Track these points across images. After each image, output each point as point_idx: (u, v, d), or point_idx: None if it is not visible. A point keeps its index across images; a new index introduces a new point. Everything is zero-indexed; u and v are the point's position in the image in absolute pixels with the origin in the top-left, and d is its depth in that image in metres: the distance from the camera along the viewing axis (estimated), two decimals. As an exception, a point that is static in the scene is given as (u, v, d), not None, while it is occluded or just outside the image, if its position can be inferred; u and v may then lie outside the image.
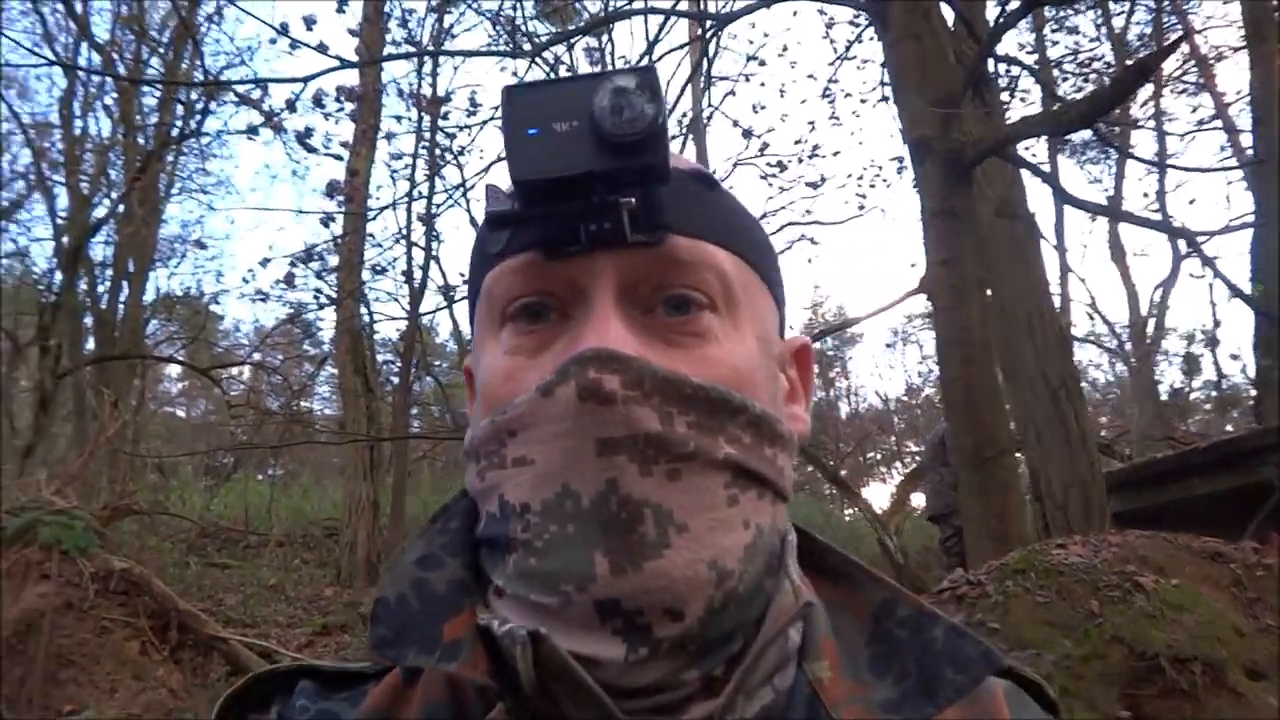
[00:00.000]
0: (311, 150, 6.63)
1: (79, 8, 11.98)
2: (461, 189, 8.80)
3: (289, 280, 7.83)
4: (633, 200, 0.52)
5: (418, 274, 10.08)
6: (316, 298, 7.63)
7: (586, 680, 0.49)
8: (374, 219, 9.99)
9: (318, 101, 6.38)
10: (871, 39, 8.72)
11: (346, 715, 0.58)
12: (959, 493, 5.08)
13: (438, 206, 9.66)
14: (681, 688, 0.52)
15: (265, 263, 11.44)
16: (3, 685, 4.30)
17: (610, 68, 0.62)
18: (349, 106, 7.10)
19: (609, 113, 0.50)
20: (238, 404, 12.27)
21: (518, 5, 7.20)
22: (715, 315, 0.56)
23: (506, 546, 0.53)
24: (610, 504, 0.50)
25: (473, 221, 9.01)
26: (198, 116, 11.78)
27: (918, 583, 7.06)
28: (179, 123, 12.46)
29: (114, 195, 13.02)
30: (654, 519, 0.50)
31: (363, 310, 10.15)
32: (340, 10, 6.85)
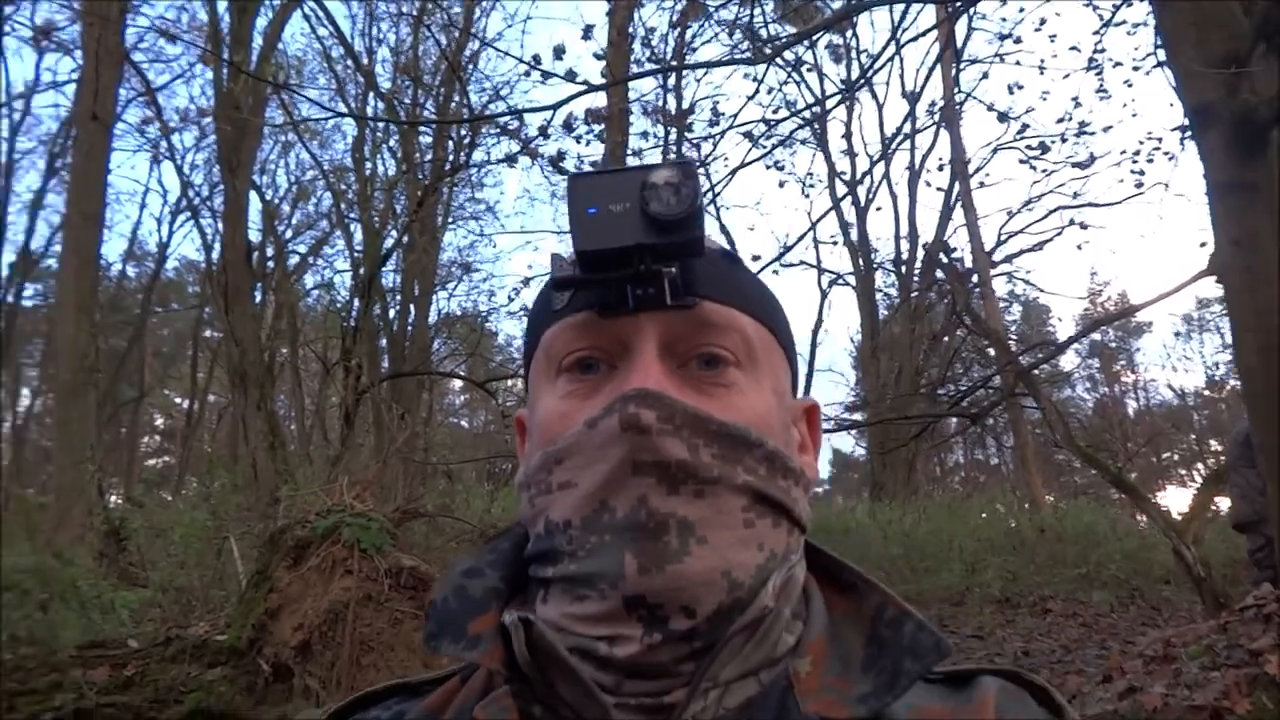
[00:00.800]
0: (564, 173, 7.00)
1: (365, 61, 13.36)
2: (711, 194, 8.94)
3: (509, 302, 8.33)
4: (673, 270, 0.63)
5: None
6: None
7: (567, 658, 0.59)
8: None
9: (568, 126, 6.73)
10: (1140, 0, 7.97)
11: (412, 707, 0.69)
12: (1268, 498, 4.51)
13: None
14: (676, 677, 0.60)
15: (527, 281, 12.20)
16: (317, 667, 4.86)
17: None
18: (597, 128, 7.43)
19: (655, 197, 0.61)
20: (511, 413, 13.12)
21: (756, 7, 7.22)
22: (739, 370, 0.66)
23: (552, 558, 0.63)
24: (640, 515, 0.58)
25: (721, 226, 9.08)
26: (466, 150, 12.78)
27: (1222, 598, 6.33)
28: (450, 157, 13.57)
29: (399, 227, 14.38)
30: (678, 530, 0.59)
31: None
32: (586, 37, 7.19)
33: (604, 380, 0.65)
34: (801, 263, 20.17)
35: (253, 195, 14.40)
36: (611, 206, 0.62)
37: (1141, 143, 11.34)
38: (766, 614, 0.62)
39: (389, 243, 14.09)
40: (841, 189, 18.97)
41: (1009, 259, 19.45)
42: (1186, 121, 5.13)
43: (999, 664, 0.72)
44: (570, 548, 0.61)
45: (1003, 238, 19.07)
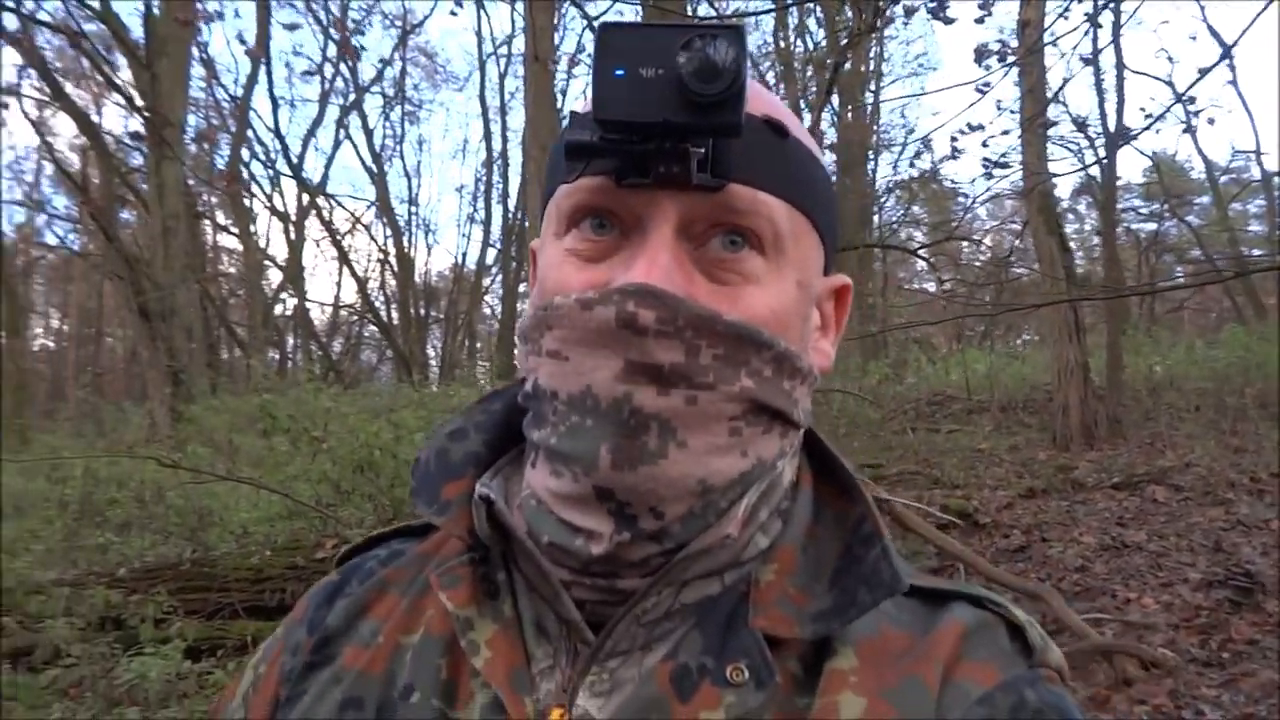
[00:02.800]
0: (949, 21, 6.58)
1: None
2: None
3: (954, 154, 7.91)
4: (701, 150, 0.57)
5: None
6: (985, 165, 7.54)
7: (524, 539, 0.61)
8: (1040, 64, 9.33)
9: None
10: None
11: (410, 549, 0.72)
12: None
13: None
14: (636, 566, 0.60)
15: (928, 142, 11.49)
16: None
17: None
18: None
19: (692, 71, 0.54)
20: (956, 279, 12.73)
21: None
22: (762, 258, 0.60)
23: (538, 422, 0.62)
24: (623, 411, 0.56)
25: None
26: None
27: None
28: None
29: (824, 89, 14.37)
30: (658, 431, 0.57)
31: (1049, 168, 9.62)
32: None
33: (612, 247, 0.60)
34: None
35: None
36: (642, 70, 0.55)
37: None
38: (727, 542, 0.60)
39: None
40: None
41: None
42: None
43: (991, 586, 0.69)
44: (554, 419, 0.59)
45: None
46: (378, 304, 20.98)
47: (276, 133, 18.13)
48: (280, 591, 5.17)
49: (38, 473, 6.34)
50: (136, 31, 12.90)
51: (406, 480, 5.30)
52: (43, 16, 11.82)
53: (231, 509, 5.93)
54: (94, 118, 13.80)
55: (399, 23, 20.98)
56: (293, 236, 19.57)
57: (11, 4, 10.18)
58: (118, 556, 5.44)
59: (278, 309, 19.60)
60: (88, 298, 18.24)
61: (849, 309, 0.71)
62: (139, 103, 12.65)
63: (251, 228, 19.23)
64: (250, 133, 17.75)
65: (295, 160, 19.27)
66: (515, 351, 0.66)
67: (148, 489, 5.72)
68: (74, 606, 4.61)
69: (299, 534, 5.43)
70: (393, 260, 21.58)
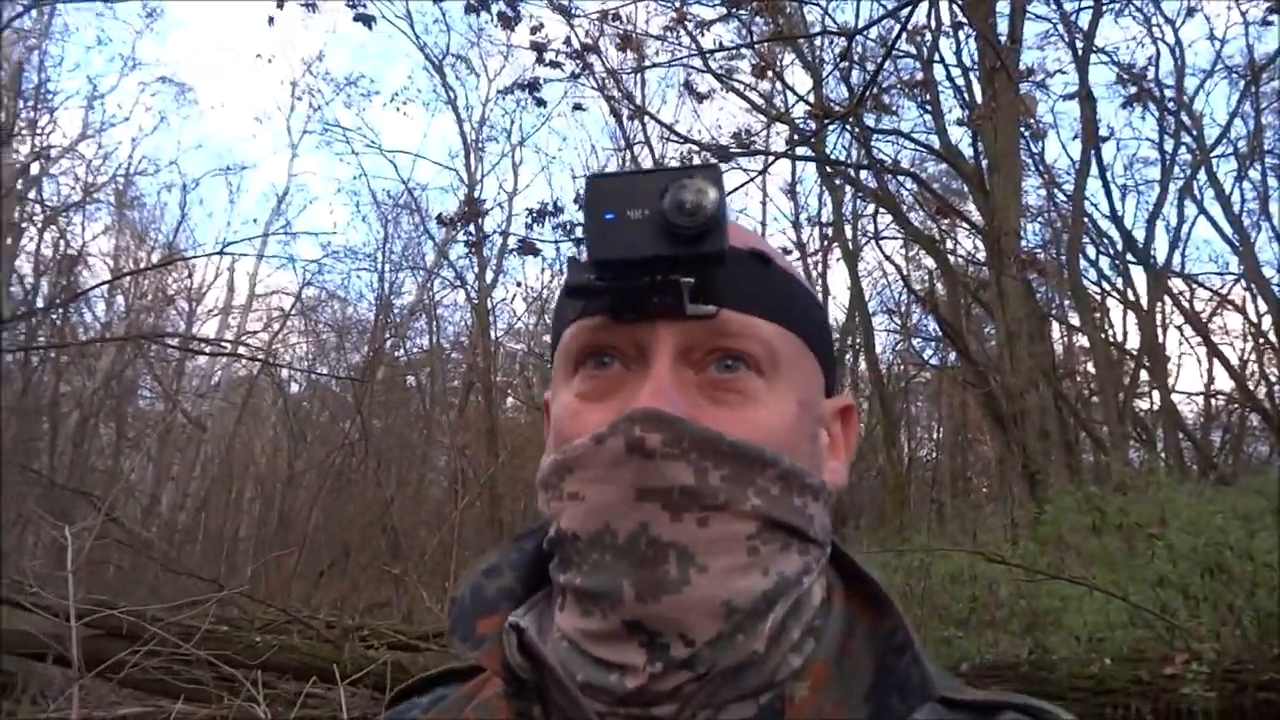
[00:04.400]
0: None
1: None
2: None
3: None
4: (691, 280, 0.60)
5: None
6: None
7: (555, 667, 0.61)
8: None
9: None
10: None
11: (453, 693, 0.73)
12: None
13: None
14: (670, 696, 0.60)
15: None
16: None
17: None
18: None
19: (675, 208, 0.59)
20: None
21: None
22: (760, 378, 0.63)
23: (563, 565, 0.64)
24: (640, 543, 0.58)
25: None
26: None
27: None
28: None
29: None
30: (677, 560, 0.58)
31: None
32: None
33: (618, 381, 0.64)
34: None
35: None
36: (630, 213, 0.60)
37: None
38: (755, 659, 0.60)
39: None
40: None
41: None
42: None
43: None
44: (577, 560, 0.62)
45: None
46: (1257, 388, 18.26)
47: (1114, 218, 17.36)
48: (1124, 708, 4.66)
49: (897, 565, 6.91)
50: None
51: (1268, 585, 4.44)
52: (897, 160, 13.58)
53: (1072, 612, 5.61)
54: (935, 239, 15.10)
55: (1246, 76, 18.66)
56: (1145, 325, 18.39)
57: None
58: (960, 651, 5.55)
59: (1141, 404, 18.49)
60: (955, 409, 19.73)
61: (856, 428, 0.73)
62: (976, 221, 13.55)
63: (1103, 321, 18.69)
64: (1088, 222, 17.40)
65: (1140, 244, 18.25)
66: (539, 499, 0.67)
67: (978, 585, 5.76)
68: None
69: (1143, 645, 4.85)
70: (1273, 338, 18.64)
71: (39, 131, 15.37)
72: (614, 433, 0.60)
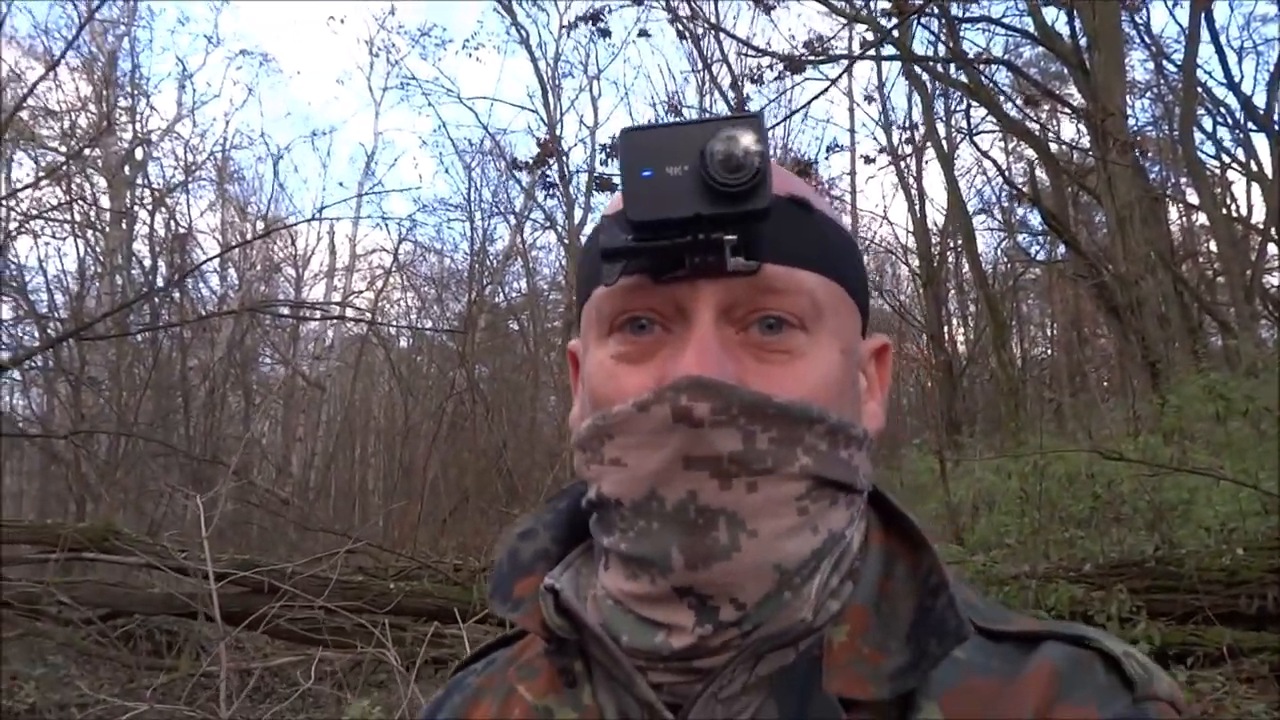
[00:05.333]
0: None
1: None
2: None
3: None
4: (734, 238, 0.58)
5: None
6: None
7: (593, 626, 0.62)
8: None
9: None
10: None
11: (502, 656, 0.76)
12: None
13: None
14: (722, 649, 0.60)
15: None
16: None
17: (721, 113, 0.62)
18: None
19: (717, 163, 0.56)
20: None
21: None
22: (804, 333, 0.62)
23: (606, 528, 0.64)
24: (689, 511, 0.58)
25: None
26: None
27: None
28: None
29: None
30: (727, 525, 0.58)
31: None
32: None
33: (658, 344, 0.62)
34: None
35: None
36: (668, 169, 0.57)
37: None
38: (801, 626, 0.60)
39: None
40: None
41: None
42: None
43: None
44: (622, 525, 0.61)
45: None
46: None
47: (1230, 84, 16.16)
48: (1260, 598, 4.49)
49: (1011, 469, 6.78)
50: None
51: None
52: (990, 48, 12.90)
53: (1200, 504, 5.41)
54: (1035, 129, 14.34)
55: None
56: (1271, 195, 17.18)
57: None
58: (1083, 552, 5.43)
59: (1271, 279, 17.41)
60: (1068, 304, 19.00)
61: (889, 368, 0.72)
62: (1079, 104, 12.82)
63: (1224, 196, 17.56)
64: (1202, 91, 16.22)
65: (1260, 110, 16.98)
66: (575, 459, 0.67)
67: (1098, 484, 5.59)
68: (1041, 599, 4.76)
69: (1277, 532, 4.64)
70: None
71: (138, 117, 15.97)
72: (659, 400, 0.58)
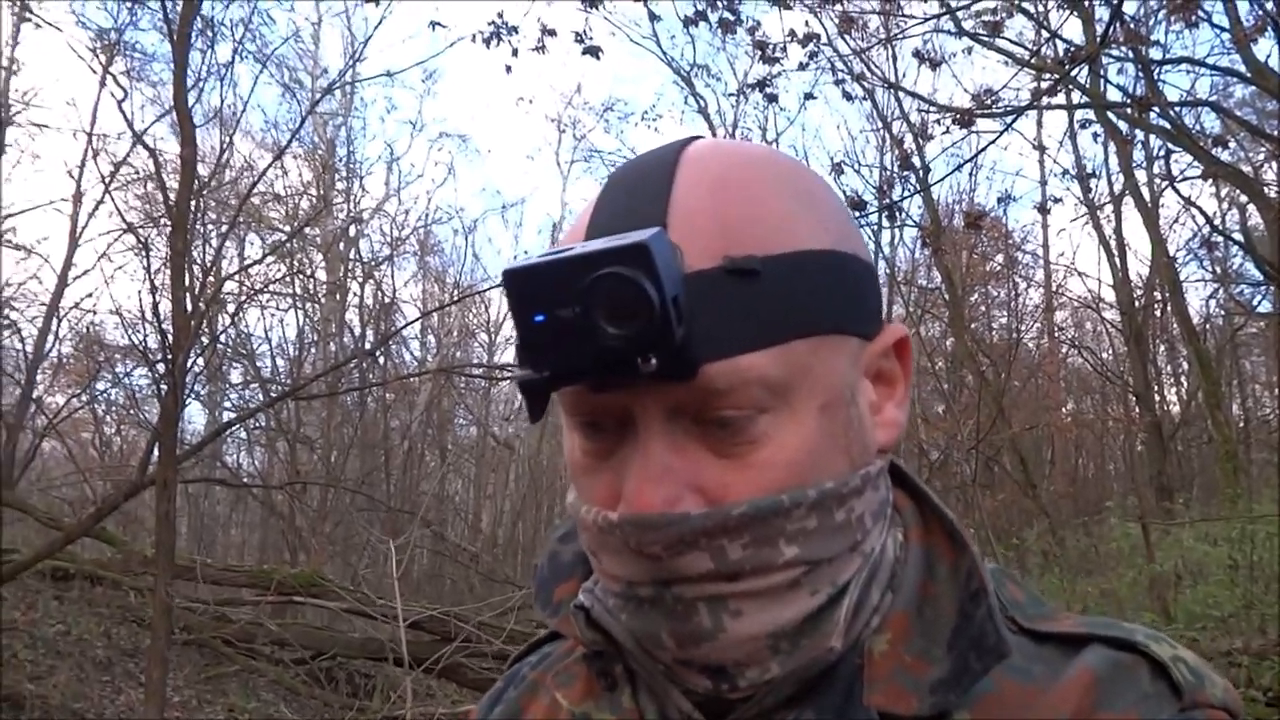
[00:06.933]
0: None
1: None
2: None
3: None
4: (653, 362, 0.50)
5: None
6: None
7: (623, 641, 0.59)
8: None
9: None
10: None
11: (555, 650, 0.74)
12: None
13: None
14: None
15: None
16: None
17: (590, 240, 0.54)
18: None
19: (605, 314, 0.50)
20: None
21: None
22: (765, 414, 0.55)
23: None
24: (666, 599, 0.56)
25: None
26: None
27: None
28: None
29: None
30: (708, 611, 0.55)
31: None
32: None
33: (616, 442, 0.57)
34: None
35: None
36: (559, 312, 0.51)
37: None
38: (831, 655, 0.57)
39: None
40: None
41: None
42: None
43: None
44: (616, 601, 0.59)
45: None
46: None
47: None
48: None
49: (1220, 536, 6.24)
50: None
51: None
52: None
53: None
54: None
55: None
56: None
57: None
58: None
59: None
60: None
61: (913, 355, 0.65)
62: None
63: None
64: None
65: None
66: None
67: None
68: (1255, 678, 4.37)
69: None
70: None
71: (351, 197, 17.46)
72: (612, 532, 0.56)
